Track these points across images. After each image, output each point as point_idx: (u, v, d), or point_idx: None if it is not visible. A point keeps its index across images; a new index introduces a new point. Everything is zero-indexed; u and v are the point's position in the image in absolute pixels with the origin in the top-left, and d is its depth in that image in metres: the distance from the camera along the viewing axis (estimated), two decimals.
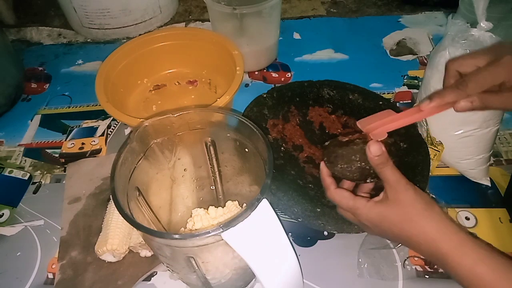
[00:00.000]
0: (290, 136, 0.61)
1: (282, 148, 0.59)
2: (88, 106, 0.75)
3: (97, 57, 0.85)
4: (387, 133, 0.41)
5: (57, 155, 0.67)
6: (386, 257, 0.51)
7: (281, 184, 0.53)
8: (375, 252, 0.51)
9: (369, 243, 0.52)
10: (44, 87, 0.81)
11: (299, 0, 0.99)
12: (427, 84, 0.57)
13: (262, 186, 0.35)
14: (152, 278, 0.51)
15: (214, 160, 0.48)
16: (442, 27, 0.86)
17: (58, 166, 0.65)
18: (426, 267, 0.50)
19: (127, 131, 0.70)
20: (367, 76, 0.75)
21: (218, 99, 0.59)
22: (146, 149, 0.42)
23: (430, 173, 0.57)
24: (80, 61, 0.86)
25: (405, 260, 0.50)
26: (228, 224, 0.32)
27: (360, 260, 0.51)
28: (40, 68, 0.85)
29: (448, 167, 0.60)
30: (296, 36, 0.87)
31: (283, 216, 0.54)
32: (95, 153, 0.67)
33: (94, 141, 0.69)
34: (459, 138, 0.55)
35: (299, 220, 0.51)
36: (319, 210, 0.51)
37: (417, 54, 0.80)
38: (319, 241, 0.53)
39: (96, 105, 0.75)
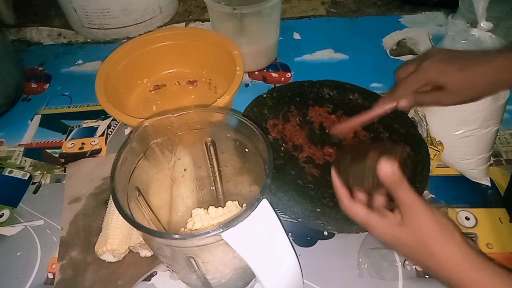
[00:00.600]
0: (290, 136, 0.61)
1: (282, 148, 0.59)
2: (88, 106, 0.75)
3: (97, 57, 0.85)
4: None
5: (57, 155, 0.67)
6: (386, 257, 0.51)
7: (281, 184, 0.53)
8: (375, 252, 0.51)
9: (369, 243, 0.52)
10: (44, 87, 0.81)
11: (299, 0, 0.99)
12: None
13: (262, 186, 0.35)
14: (152, 278, 0.51)
15: (214, 160, 0.48)
16: (442, 27, 0.86)
17: (58, 166, 0.65)
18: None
19: (127, 131, 0.70)
20: (367, 76, 0.75)
21: (218, 99, 0.59)
22: (146, 149, 0.42)
23: (430, 173, 0.57)
24: (80, 61, 0.86)
25: (405, 260, 0.50)
26: (228, 224, 0.32)
27: (360, 260, 0.51)
28: (40, 68, 0.85)
29: (448, 167, 0.60)
30: (296, 36, 0.87)
31: (283, 216, 0.54)
32: (95, 153, 0.67)
33: (94, 141, 0.69)
34: (459, 138, 0.55)
35: (299, 220, 0.51)
36: (319, 210, 0.51)
37: (417, 54, 0.80)
38: (319, 241, 0.53)
39: (96, 105, 0.75)
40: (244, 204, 0.47)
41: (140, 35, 0.76)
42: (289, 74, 0.78)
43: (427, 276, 0.49)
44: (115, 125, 0.71)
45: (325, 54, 0.82)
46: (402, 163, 0.38)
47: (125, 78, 0.70)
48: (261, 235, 0.33)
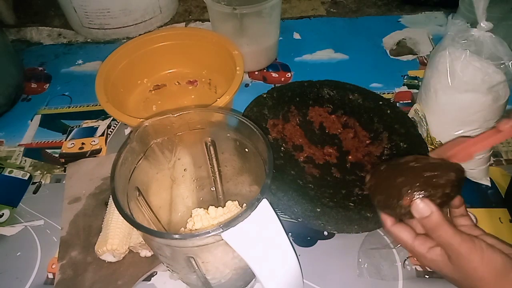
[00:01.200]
0: (290, 136, 0.61)
1: (282, 148, 0.59)
2: (88, 106, 0.75)
3: (97, 57, 0.85)
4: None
5: (57, 155, 0.67)
6: (386, 257, 0.51)
7: (281, 184, 0.53)
8: (375, 252, 0.51)
9: (369, 243, 0.52)
10: (44, 87, 0.81)
11: (299, 0, 0.99)
12: (427, 84, 0.57)
13: (262, 186, 0.35)
14: (152, 278, 0.51)
15: (214, 160, 0.48)
16: (442, 27, 0.86)
17: (58, 166, 0.65)
18: (426, 267, 0.50)
19: (127, 131, 0.70)
20: (367, 76, 0.75)
21: (218, 99, 0.59)
22: (146, 149, 0.42)
23: None
24: (80, 61, 0.86)
25: (405, 260, 0.50)
26: (228, 224, 0.32)
27: (360, 260, 0.51)
28: (40, 68, 0.85)
29: None
30: (296, 36, 0.87)
31: (283, 216, 0.54)
32: (95, 153, 0.67)
33: (94, 141, 0.69)
34: None
35: (299, 220, 0.51)
36: (319, 210, 0.51)
37: (417, 54, 0.80)
38: (319, 241, 0.53)
39: (96, 105, 0.75)
40: (244, 204, 0.47)
41: (140, 35, 0.76)
42: (289, 74, 0.78)
43: (427, 276, 0.49)
44: (115, 125, 0.71)
45: (325, 54, 0.82)
46: (450, 186, 0.35)
47: (125, 78, 0.70)
48: (261, 235, 0.33)
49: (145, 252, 0.51)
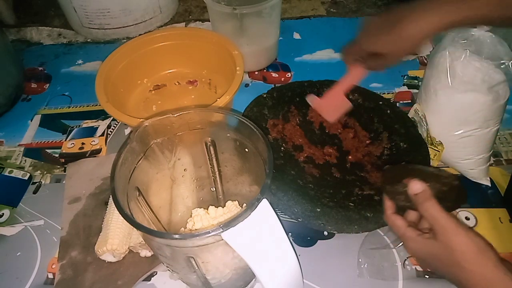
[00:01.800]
0: (290, 136, 0.61)
1: (282, 148, 0.59)
2: (88, 106, 0.75)
3: (97, 57, 0.85)
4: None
5: (57, 155, 0.67)
6: (386, 257, 0.51)
7: (281, 184, 0.53)
8: (375, 252, 0.51)
9: (369, 243, 0.52)
10: (44, 87, 0.81)
11: (299, 0, 0.99)
12: (427, 84, 0.57)
13: (262, 186, 0.35)
14: (152, 278, 0.51)
15: (214, 160, 0.48)
16: None
17: (58, 166, 0.65)
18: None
19: (127, 131, 0.70)
20: (367, 76, 0.74)
21: (218, 99, 0.59)
22: (146, 149, 0.42)
23: None
24: (80, 61, 0.86)
25: (405, 260, 0.50)
26: (228, 224, 0.32)
27: (360, 260, 0.51)
28: (40, 68, 0.85)
29: (448, 167, 0.60)
30: (296, 36, 0.87)
31: (283, 216, 0.54)
32: (95, 153, 0.67)
33: (94, 141, 0.69)
34: (459, 138, 0.55)
35: (299, 220, 0.51)
36: (319, 210, 0.51)
37: (417, 54, 0.80)
38: (319, 241, 0.53)
39: (96, 105, 0.75)
40: (244, 204, 0.47)
41: (140, 35, 0.76)
42: (289, 74, 0.78)
43: (427, 276, 0.49)
44: (115, 125, 0.71)
45: (325, 54, 0.82)
46: (449, 191, 0.41)
47: (125, 78, 0.70)
48: (261, 235, 0.33)
49: (145, 252, 0.51)
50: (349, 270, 0.50)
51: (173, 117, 0.41)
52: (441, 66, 0.54)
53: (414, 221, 0.44)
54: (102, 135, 0.70)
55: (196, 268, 0.38)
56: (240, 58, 0.65)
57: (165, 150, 0.45)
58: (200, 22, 0.93)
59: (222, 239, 0.32)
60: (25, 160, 0.67)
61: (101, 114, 0.73)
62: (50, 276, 0.52)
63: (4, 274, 0.52)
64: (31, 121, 0.74)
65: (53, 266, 0.52)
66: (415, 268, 0.50)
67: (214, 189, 0.52)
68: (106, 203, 0.57)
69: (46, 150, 0.68)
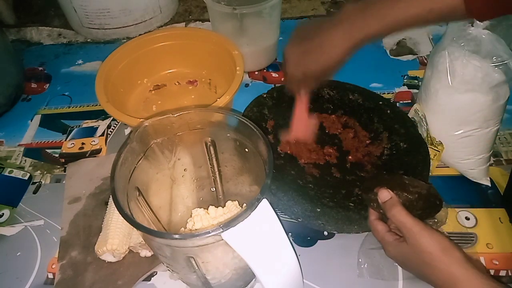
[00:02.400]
0: None
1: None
2: (88, 106, 0.75)
3: (97, 57, 0.85)
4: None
5: (57, 155, 0.67)
6: (386, 257, 0.51)
7: (281, 184, 0.53)
8: (375, 252, 0.51)
9: (369, 243, 0.52)
10: (44, 87, 0.81)
11: (299, 0, 0.99)
12: (427, 84, 0.57)
13: (262, 186, 0.35)
14: (152, 278, 0.51)
15: (214, 160, 0.48)
16: (442, 26, 0.85)
17: (58, 166, 0.65)
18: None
19: (127, 131, 0.70)
20: (367, 76, 0.75)
21: (218, 99, 0.59)
22: (146, 149, 0.42)
23: (430, 173, 0.57)
24: (80, 61, 0.86)
25: None
26: (228, 224, 0.32)
27: (360, 260, 0.51)
28: (40, 68, 0.85)
29: (448, 167, 0.60)
30: None
31: (283, 216, 0.54)
32: (95, 153, 0.67)
33: (94, 141, 0.69)
34: (459, 138, 0.55)
35: (299, 220, 0.51)
36: (319, 210, 0.51)
37: (417, 54, 0.80)
38: (319, 241, 0.53)
39: (96, 105, 0.75)
40: (244, 204, 0.47)
41: (140, 35, 0.76)
42: None
43: None
44: (115, 125, 0.71)
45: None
46: (417, 199, 0.44)
47: (125, 78, 0.70)
48: (261, 235, 0.33)
49: (145, 252, 0.51)
50: (349, 270, 0.50)
51: (173, 117, 0.41)
52: (441, 66, 0.54)
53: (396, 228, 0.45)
54: (102, 135, 0.70)
55: (196, 268, 0.38)
56: (240, 58, 0.65)
57: (165, 150, 0.45)
58: (200, 22, 0.93)
59: (222, 239, 0.32)
60: (25, 160, 0.67)
61: (101, 114, 0.73)
62: (50, 276, 0.52)
63: (4, 274, 0.52)
64: (31, 121, 0.74)
65: (53, 266, 0.52)
66: None
67: (214, 189, 0.52)
68: (106, 203, 0.57)
69: (46, 150, 0.68)
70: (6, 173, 0.64)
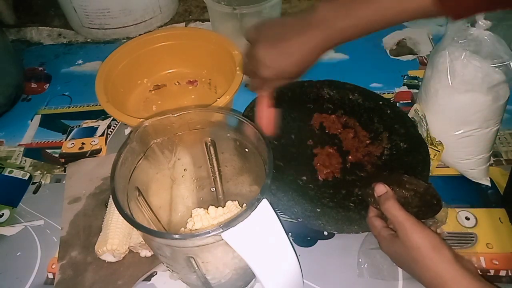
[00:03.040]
0: None
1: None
2: (88, 106, 0.75)
3: (97, 57, 0.85)
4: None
5: (57, 155, 0.67)
6: (386, 257, 0.51)
7: (281, 184, 0.53)
8: (375, 252, 0.51)
9: (369, 243, 0.52)
10: (44, 87, 0.81)
11: (299, 0, 0.99)
12: (427, 84, 0.57)
13: (262, 186, 0.35)
14: (152, 278, 0.51)
15: (214, 160, 0.48)
16: (442, 27, 0.85)
17: (58, 166, 0.65)
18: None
19: (127, 131, 0.70)
20: (367, 76, 0.75)
21: (218, 99, 0.59)
22: (146, 149, 0.42)
23: (430, 173, 0.57)
24: (80, 61, 0.86)
25: None
26: (228, 224, 0.32)
27: (360, 260, 0.51)
28: (40, 68, 0.85)
29: (448, 167, 0.60)
30: None
31: (283, 216, 0.54)
32: (95, 153, 0.67)
33: (94, 141, 0.69)
34: (459, 138, 0.55)
35: (299, 220, 0.51)
36: (319, 210, 0.51)
37: (417, 54, 0.80)
38: (319, 241, 0.53)
39: (96, 105, 0.75)
40: (244, 204, 0.47)
41: (140, 35, 0.76)
42: None
43: None
44: (115, 125, 0.71)
45: (325, 54, 0.82)
46: (413, 196, 0.45)
47: (125, 78, 0.70)
48: (261, 235, 0.33)
49: (145, 252, 0.51)
50: (349, 270, 0.50)
51: (173, 117, 0.41)
52: (441, 66, 0.54)
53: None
54: (102, 135, 0.70)
55: (196, 268, 0.38)
56: (240, 58, 0.65)
57: (165, 150, 0.45)
58: (200, 22, 0.93)
59: (222, 239, 0.32)
60: (25, 160, 0.67)
61: (101, 114, 0.73)
62: (50, 276, 0.52)
63: (4, 274, 0.52)
64: (31, 121, 0.74)
65: (53, 266, 0.52)
66: None
67: (214, 189, 0.52)
68: (106, 203, 0.57)
69: (46, 150, 0.68)
70: (6, 173, 0.64)
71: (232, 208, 0.45)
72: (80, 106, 0.76)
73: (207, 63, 0.74)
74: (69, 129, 0.71)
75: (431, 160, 0.57)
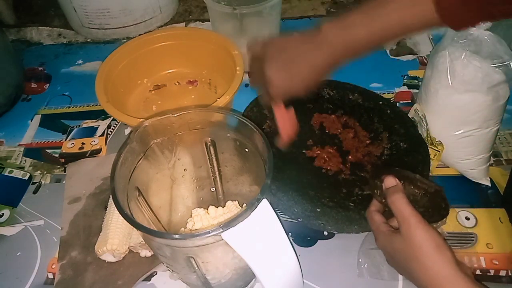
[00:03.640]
0: None
1: None
2: (88, 106, 0.75)
3: (97, 57, 0.85)
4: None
5: (57, 155, 0.67)
6: None
7: (281, 184, 0.53)
8: (375, 252, 0.51)
9: (369, 243, 0.52)
10: (44, 87, 0.81)
11: (299, 0, 0.99)
12: (427, 84, 0.57)
13: (262, 186, 0.35)
14: (152, 278, 0.51)
15: (214, 160, 0.48)
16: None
17: (58, 166, 0.65)
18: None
19: (127, 131, 0.70)
20: (367, 76, 0.75)
21: (218, 99, 0.59)
22: (146, 149, 0.42)
23: (430, 173, 0.57)
24: (80, 61, 0.86)
25: None
26: (228, 224, 0.32)
27: (360, 260, 0.51)
28: (40, 68, 0.85)
29: (448, 167, 0.60)
30: None
31: (283, 216, 0.54)
32: (95, 153, 0.67)
33: (94, 141, 0.69)
34: (459, 138, 0.55)
35: (299, 220, 0.51)
36: (319, 210, 0.51)
37: (417, 54, 0.80)
38: (319, 241, 0.53)
39: (96, 105, 0.75)
40: (244, 204, 0.47)
41: (140, 35, 0.76)
42: None
43: None
44: (115, 125, 0.71)
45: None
46: (423, 195, 0.44)
47: (125, 78, 0.70)
48: (261, 235, 0.33)
49: (145, 252, 0.51)
50: (349, 270, 0.50)
51: (173, 117, 0.41)
52: (441, 66, 0.54)
53: (395, 226, 0.44)
54: (102, 135, 0.70)
55: (196, 268, 0.38)
56: (240, 58, 0.65)
57: (165, 150, 0.45)
58: (200, 22, 0.93)
59: (222, 239, 0.32)
60: (25, 160, 0.67)
61: (101, 114, 0.73)
62: (50, 276, 0.52)
63: (4, 274, 0.52)
64: (31, 121, 0.74)
65: (53, 266, 0.52)
66: None
67: (214, 189, 0.52)
68: (106, 203, 0.57)
69: (46, 150, 0.68)
70: (6, 173, 0.64)
71: (232, 208, 0.45)
72: (80, 106, 0.76)
73: (207, 63, 0.74)
74: (69, 129, 0.71)
75: (431, 160, 0.57)
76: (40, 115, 0.75)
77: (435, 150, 0.58)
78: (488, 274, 0.49)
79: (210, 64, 0.74)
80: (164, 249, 0.37)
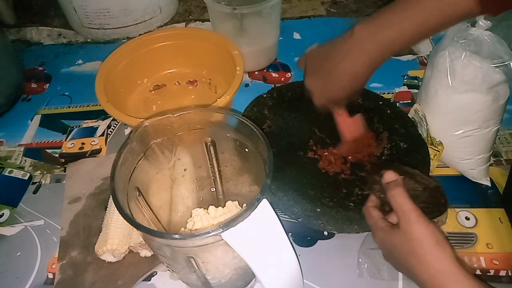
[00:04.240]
0: None
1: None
2: (88, 106, 0.75)
3: (97, 57, 0.85)
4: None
5: (57, 155, 0.67)
6: None
7: (281, 184, 0.53)
8: (375, 252, 0.51)
9: (369, 243, 0.52)
10: (44, 87, 0.81)
11: (299, 0, 0.99)
12: (427, 84, 0.57)
13: (262, 186, 0.35)
14: (152, 278, 0.51)
15: (214, 160, 0.48)
16: None
17: (58, 166, 0.65)
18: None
19: (127, 131, 0.70)
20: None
21: (218, 99, 0.59)
22: (146, 149, 0.42)
23: (430, 173, 0.57)
24: (80, 61, 0.86)
25: None
26: (228, 224, 0.32)
27: (360, 260, 0.51)
28: (40, 68, 0.85)
29: (448, 167, 0.60)
30: (296, 36, 0.87)
31: (283, 216, 0.54)
32: (95, 153, 0.67)
33: (94, 141, 0.69)
34: (459, 138, 0.55)
35: (299, 220, 0.51)
36: (319, 210, 0.51)
37: (417, 54, 0.80)
38: (319, 241, 0.53)
39: (96, 105, 0.75)
40: (244, 204, 0.47)
41: (140, 35, 0.76)
42: (289, 74, 0.78)
43: None
44: (115, 125, 0.71)
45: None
46: (423, 191, 0.43)
47: (125, 78, 0.70)
48: (261, 235, 0.33)
49: (145, 252, 0.51)
50: (349, 270, 0.50)
51: (173, 117, 0.41)
52: (441, 66, 0.54)
53: (392, 222, 0.44)
54: (102, 135, 0.70)
55: (196, 268, 0.38)
56: (240, 58, 0.65)
57: (165, 150, 0.45)
58: (200, 22, 0.93)
59: (222, 239, 0.32)
60: (25, 160, 0.67)
61: (101, 114, 0.73)
62: (50, 276, 0.52)
63: (4, 274, 0.52)
64: (31, 121, 0.74)
65: (53, 266, 0.52)
66: None
67: (214, 189, 0.52)
68: (106, 203, 0.57)
69: (46, 150, 0.68)
70: (6, 173, 0.64)
71: (232, 208, 0.45)
72: (80, 106, 0.76)
73: (207, 63, 0.74)
74: (69, 129, 0.71)
75: (431, 160, 0.57)
76: (40, 115, 0.75)
77: (435, 150, 0.58)
78: (488, 274, 0.49)
79: (210, 64, 0.74)
80: (164, 249, 0.37)
